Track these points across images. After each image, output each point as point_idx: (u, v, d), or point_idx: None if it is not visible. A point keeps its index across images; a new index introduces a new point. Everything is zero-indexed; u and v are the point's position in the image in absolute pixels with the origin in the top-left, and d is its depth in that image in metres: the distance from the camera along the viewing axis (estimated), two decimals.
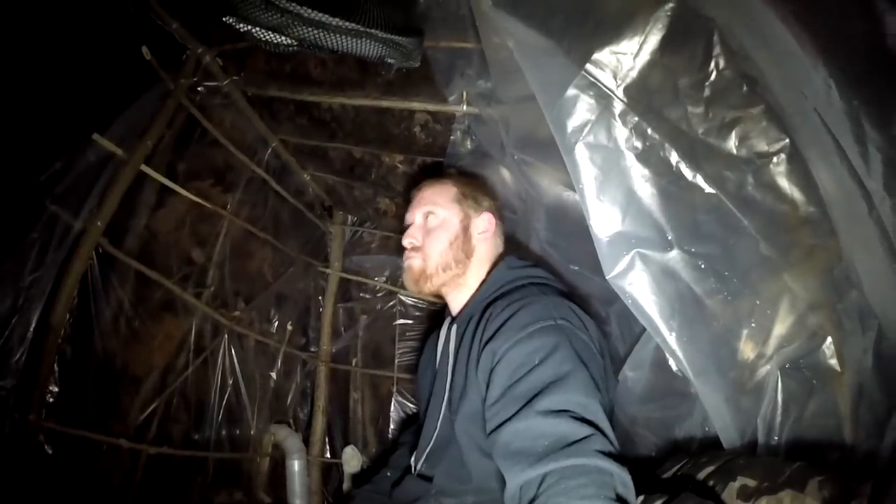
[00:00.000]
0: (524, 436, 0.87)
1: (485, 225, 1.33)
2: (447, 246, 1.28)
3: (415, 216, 1.35)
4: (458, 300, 1.32)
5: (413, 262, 1.30)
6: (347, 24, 1.15)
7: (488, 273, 1.30)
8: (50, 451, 1.26)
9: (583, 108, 1.03)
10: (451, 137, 1.61)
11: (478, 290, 1.28)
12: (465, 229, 1.31)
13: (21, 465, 1.20)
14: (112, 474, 1.46)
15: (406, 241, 1.32)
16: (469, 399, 1.09)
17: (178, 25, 1.51)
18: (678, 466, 0.98)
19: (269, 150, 1.96)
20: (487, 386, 1.03)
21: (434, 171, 1.72)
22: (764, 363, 1.04)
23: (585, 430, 0.84)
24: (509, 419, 0.91)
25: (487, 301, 1.20)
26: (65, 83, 1.35)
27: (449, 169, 1.66)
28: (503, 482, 0.87)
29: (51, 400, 1.27)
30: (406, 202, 2.08)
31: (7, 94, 1.26)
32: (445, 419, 1.18)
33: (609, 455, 0.81)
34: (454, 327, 1.27)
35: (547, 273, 1.27)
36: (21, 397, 1.20)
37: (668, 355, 1.10)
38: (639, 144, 1.04)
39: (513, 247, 1.48)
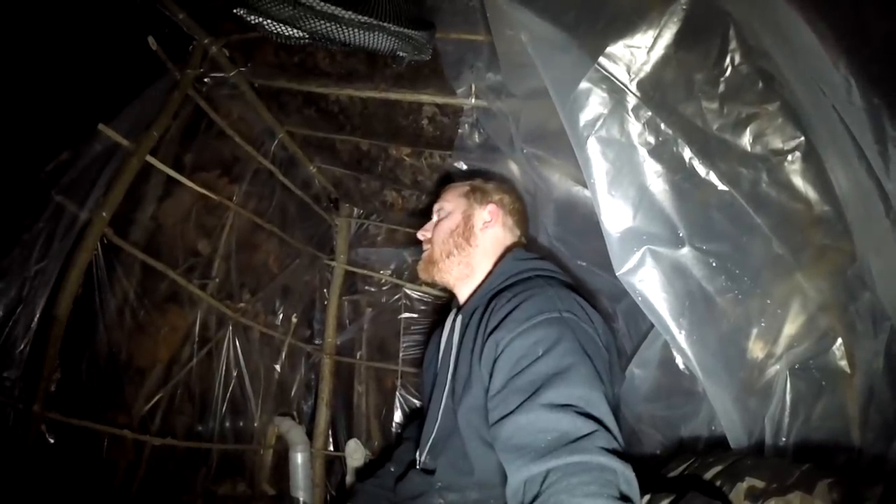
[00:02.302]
0: (527, 430, 0.86)
1: (487, 216, 1.35)
2: (448, 234, 1.34)
3: (432, 214, 1.44)
4: (465, 291, 1.34)
5: (424, 252, 1.40)
6: (360, 17, 1.16)
7: (495, 265, 1.30)
8: (53, 442, 1.26)
9: (595, 102, 1.02)
10: (459, 131, 1.60)
11: (484, 281, 1.29)
12: (468, 219, 1.35)
13: (24, 455, 1.20)
14: (116, 465, 1.47)
15: (419, 236, 1.44)
16: (472, 390, 1.08)
17: (185, 16, 1.50)
18: (685, 466, 0.97)
19: (276, 142, 1.96)
20: (490, 377, 1.02)
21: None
22: (773, 363, 1.03)
23: (589, 426, 0.83)
24: (512, 412, 0.90)
25: (493, 292, 1.19)
26: (71, 74, 1.34)
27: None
28: (505, 477, 0.86)
29: (54, 390, 1.27)
30: (412, 195, 2.08)
31: (14, 85, 1.25)
32: (447, 410, 1.18)
33: (613, 452, 0.80)
34: (459, 318, 1.28)
35: (554, 266, 1.26)
36: (25, 388, 1.20)
37: (676, 353, 1.09)
38: (652, 139, 1.03)
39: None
